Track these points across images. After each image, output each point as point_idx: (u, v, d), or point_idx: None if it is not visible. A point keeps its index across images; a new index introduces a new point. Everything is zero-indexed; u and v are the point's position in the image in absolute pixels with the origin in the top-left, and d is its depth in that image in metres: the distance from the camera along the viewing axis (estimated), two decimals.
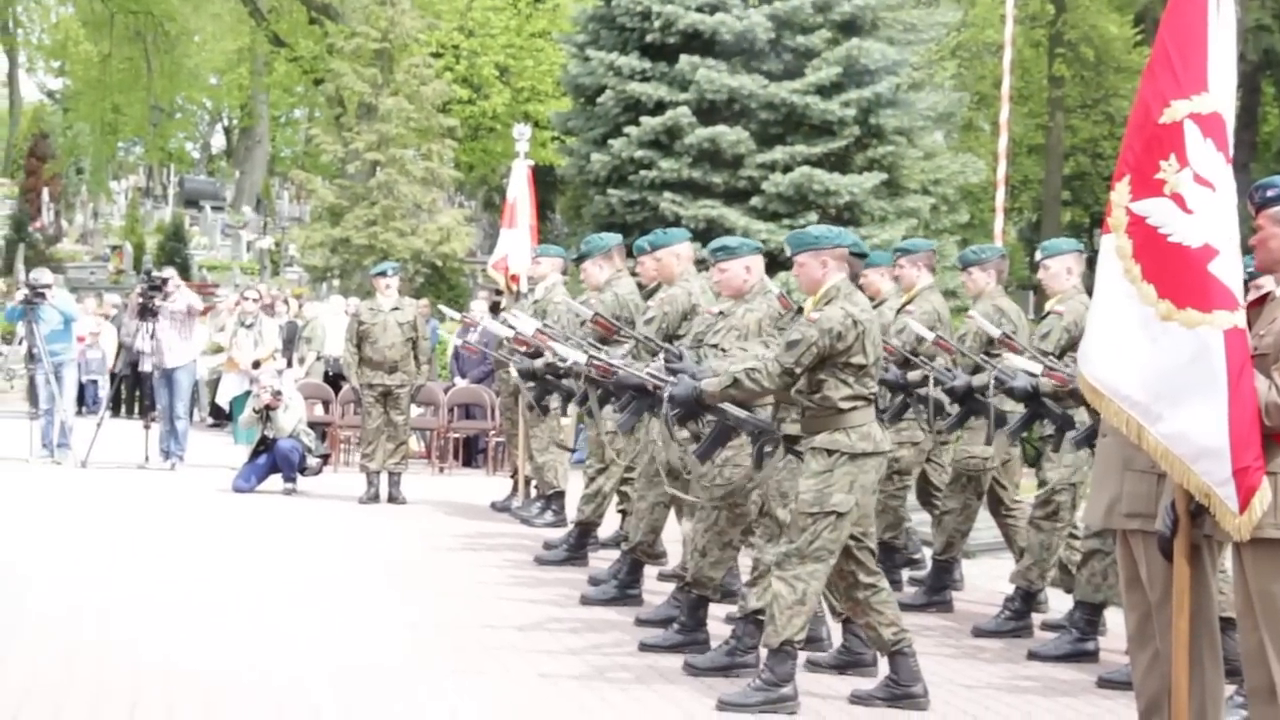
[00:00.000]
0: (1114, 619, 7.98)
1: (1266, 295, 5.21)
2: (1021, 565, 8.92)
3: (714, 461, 7.66)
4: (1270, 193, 5.16)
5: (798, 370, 6.79)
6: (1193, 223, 5.08)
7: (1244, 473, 4.94)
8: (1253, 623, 5.09)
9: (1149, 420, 5.12)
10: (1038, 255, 8.85)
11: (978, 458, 9.30)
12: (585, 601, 9.30)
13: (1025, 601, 8.87)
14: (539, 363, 10.54)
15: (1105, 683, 7.50)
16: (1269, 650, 5.02)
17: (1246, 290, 5.30)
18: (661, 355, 8.22)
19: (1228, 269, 5.05)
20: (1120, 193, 5.26)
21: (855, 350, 6.79)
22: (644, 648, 7.97)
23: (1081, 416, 7.83)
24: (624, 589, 9.36)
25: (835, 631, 7.80)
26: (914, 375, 9.26)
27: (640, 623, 8.60)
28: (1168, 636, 5.36)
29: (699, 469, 7.81)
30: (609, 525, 11.20)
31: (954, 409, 9.09)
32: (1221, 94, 5.18)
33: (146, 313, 16.20)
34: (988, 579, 10.34)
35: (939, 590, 9.60)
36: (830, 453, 6.80)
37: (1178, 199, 5.11)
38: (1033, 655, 8.18)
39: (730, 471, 7.74)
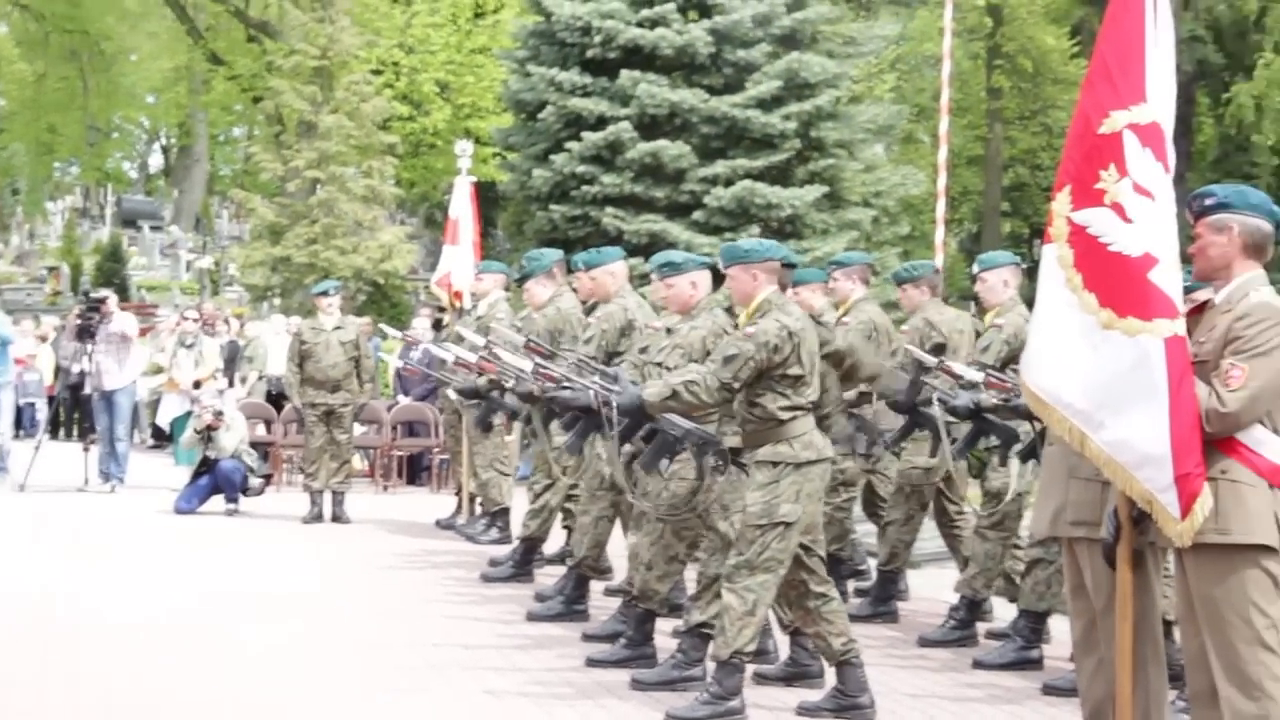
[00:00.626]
0: (1058, 627, 8.02)
1: (1206, 303, 5.25)
2: (966, 574, 8.95)
3: (661, 475, 7.65)
4: (1208, 201, 5.21)
5: (736, 385, 6.81)
6: (1133, 232, 5.11)
7: (1185, 479, 4.97)
8: (1195, 628, 5.13)
9: (1091, 428, 5.15)
10: (974, 268, 8.89)
11: (920, 468, 9.33)
12: (531, 618, 9.28)
13: (970, 610, 8.90)
14: (481, 380, 10.51)
15: (1050, 690, 7.54)
16: (1211, 654, 5.06)
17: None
18: (598, 378, 8.21)
19: (1167, 277, 5.09)
20: (1061, 203, 5.29)
21: (791, 362, 6.80)
22: (591, 663, 7.95)
23: (1027, 429, 7.87)
24: (570, 604, 9.34)
25: (782, 644, 7.80)
26: (849, 394, 9.29)
27: (587, 638, 8.59)
28: (1112, 643, 5.39)
29: (644, 482, 7.80)
30: (554, 541, 11.17)
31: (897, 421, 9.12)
32: (1159, 104, 5.23)
33: (85, 334, 16.08)
34: (933, 588, 10.37)
35: (884, 601, 9.62)
36: (775, 464, 6.81)
37: (1118, 208, 5.15)
38: (978, 664, 8.21)
39: (676, 485, 7.74)
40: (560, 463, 10.46)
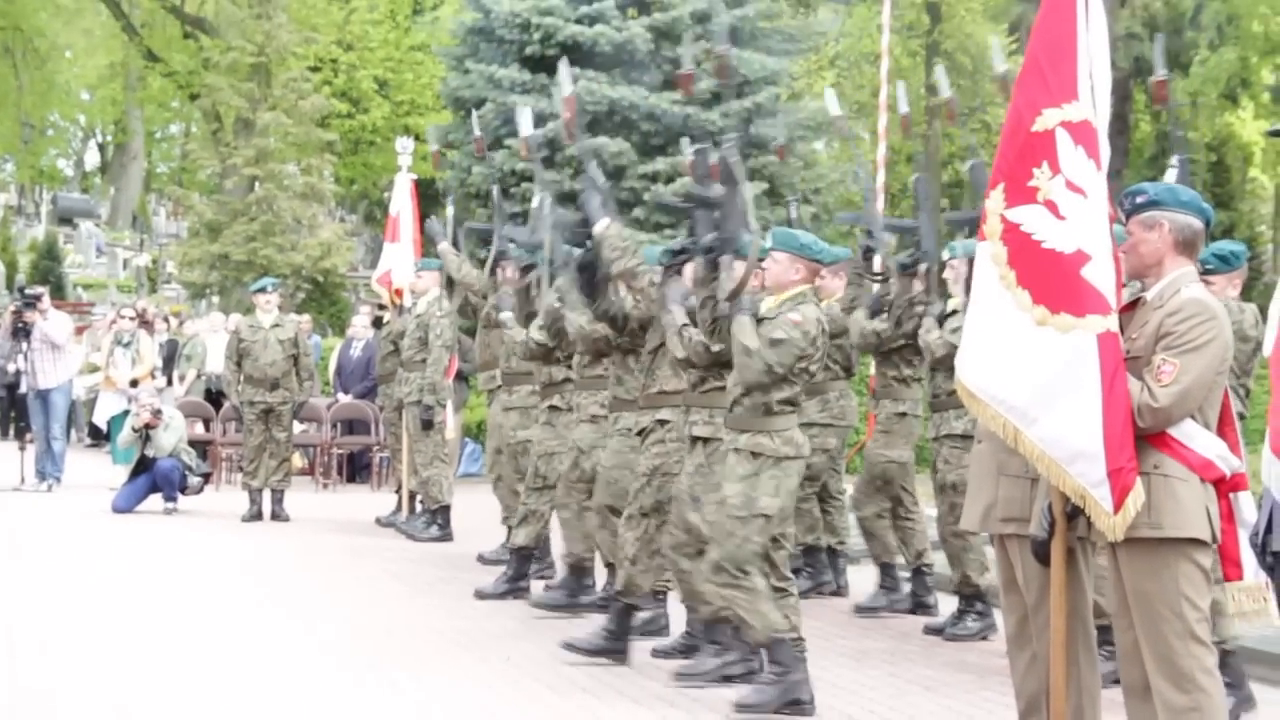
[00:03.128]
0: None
1: (1139, 299, 5.30)
2: (956, 577, 8.97)
3: (641, 473, 7.83)
4: (1140, 199, 5.26)
5: (778, 372, 6.81)
6: (1065, 229, 5.16)
7: (1118, 473, 5.01)
8: (1128, 621, 5.17)
9: (1025, 424, 5.19)
10: (945, 255, 8.80)
11: (893, 461, 9.46)
12: (480, 595, 9.66)
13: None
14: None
15: None
16: (1144, 648, 5.10)
17: None
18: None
19: (1100, 274, 5.13)
20: (995, 200, 5.33)
21: (816, 359, 6.91)
22: (567, 647, 7.96)
23: None
24: (513, 583, 9.71)
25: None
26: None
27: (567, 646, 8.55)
28: (1045, 638, 5.44)
29: (617, 479, 7.98)
30: (492, 540, 11.16)
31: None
32: (1090, 102, 5.28)
33: (20, 333, 15.94)
34: (871, 585, 10.39)
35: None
36: (756, 455, 6.86)
37: (1050, 206, 5.19)
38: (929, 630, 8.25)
39: (659, 481, 7.82)
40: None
